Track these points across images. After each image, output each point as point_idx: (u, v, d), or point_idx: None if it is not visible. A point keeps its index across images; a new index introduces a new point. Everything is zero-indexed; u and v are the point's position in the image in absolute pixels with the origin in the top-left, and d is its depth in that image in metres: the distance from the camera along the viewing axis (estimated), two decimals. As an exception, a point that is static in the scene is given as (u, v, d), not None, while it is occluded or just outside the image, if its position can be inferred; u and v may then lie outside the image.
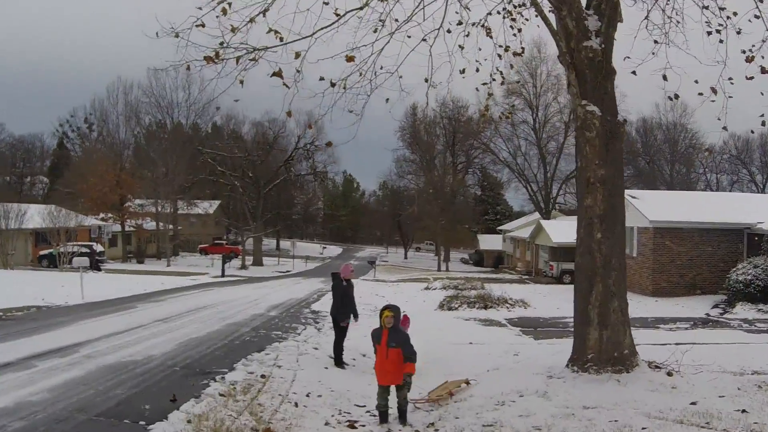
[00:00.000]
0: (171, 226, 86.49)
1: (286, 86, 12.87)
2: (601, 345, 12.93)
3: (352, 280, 17.86)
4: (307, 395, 12.64)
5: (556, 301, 34.35)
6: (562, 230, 61.81)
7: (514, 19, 15.83)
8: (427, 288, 42.57)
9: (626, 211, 38.28)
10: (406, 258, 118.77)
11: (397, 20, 14.38)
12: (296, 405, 11.83)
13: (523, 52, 16.81)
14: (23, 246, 60.34)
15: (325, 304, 31.12)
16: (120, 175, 78.87)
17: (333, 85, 13.48)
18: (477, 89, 17.32)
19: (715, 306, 32.32)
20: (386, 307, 11.86)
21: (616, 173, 13.50)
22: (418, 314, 25.34)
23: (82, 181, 75.69)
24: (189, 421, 9.85)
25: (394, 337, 11.43)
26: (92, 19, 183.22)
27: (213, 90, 11.21)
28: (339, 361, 16.43)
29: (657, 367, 13.48)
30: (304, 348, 18.05)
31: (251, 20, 12.53)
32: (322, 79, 13.26)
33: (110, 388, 12.48)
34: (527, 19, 15.87)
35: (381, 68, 14.25)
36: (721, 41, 14.05)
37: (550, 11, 14.20)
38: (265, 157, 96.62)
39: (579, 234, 13.71)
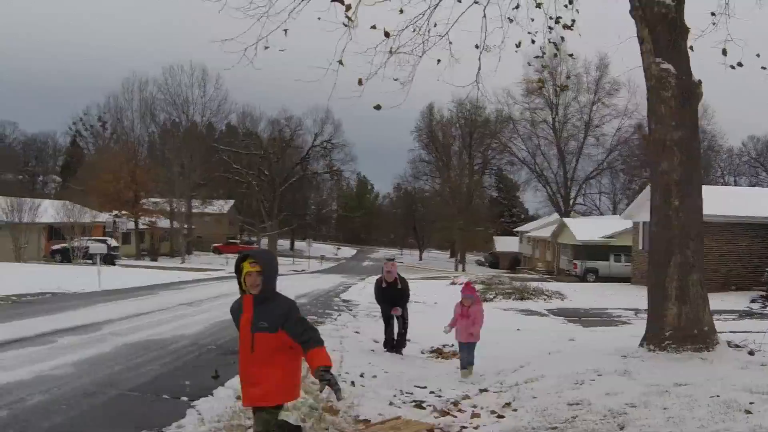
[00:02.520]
0: (186, 225, 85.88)
1: (349, 19, 11.90)
2: (680, 321, 11.90)
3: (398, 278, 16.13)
4: (361, 375, 11.74)
5: (590, 295, 33.73)
6: (586, 228, 61.42)
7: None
8: (452, 283, 41.73)
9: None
10: (421, 259, 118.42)
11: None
12: (353, 384, 10.94)
13: (573, 24, 15.80)
14: (35, 240, 60.27)
15: (353, 294, 30.57)
16: (135, 171, 78.52)
17: (387, 35, 12.57)
18: (529, 63, 16.43)
19: (753, 301, 31.32)
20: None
21: (692, 136, 12.48)
22: (451, 306, 24.55)
23: (95, 177, 75.97)
24: (239, 397, 8.86)
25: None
26: (107, 17, 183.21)
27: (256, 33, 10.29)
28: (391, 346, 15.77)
29: (737, 346, 12.46)
30: (344, 332, 17.45)
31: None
32: (374, 27, 12.37)
33: (141, 364, 11.76)
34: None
35: (435, 25, 13.39)
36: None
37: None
38: (281, 155, 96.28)
39: (654, 202, 12.66)
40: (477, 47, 14.66)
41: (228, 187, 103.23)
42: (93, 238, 61.32)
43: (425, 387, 11.39)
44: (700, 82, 12.68)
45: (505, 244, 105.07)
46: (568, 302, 29.14)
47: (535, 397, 10.03)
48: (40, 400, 8.88)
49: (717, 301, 30.41)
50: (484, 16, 14.28)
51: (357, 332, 17.67)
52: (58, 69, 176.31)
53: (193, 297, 25.61)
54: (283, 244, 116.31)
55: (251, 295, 6.57)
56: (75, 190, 77.24)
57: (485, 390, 11.10)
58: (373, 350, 14.85)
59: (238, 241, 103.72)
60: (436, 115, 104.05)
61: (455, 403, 10.21)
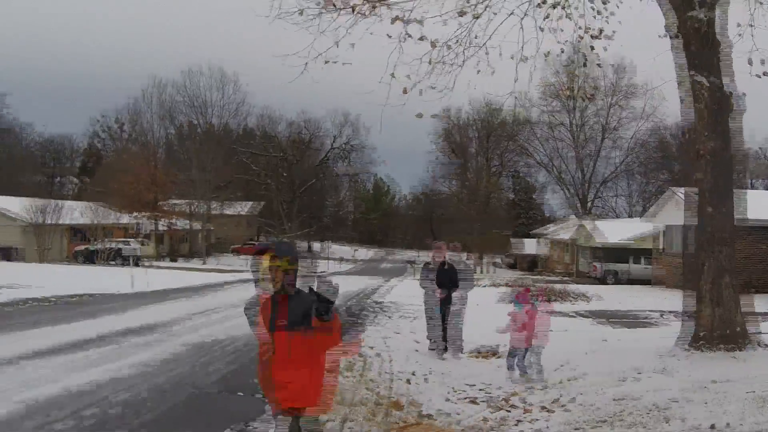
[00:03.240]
0: (209, 226, 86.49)
1: (408, 36, 12.62)
2: (714, 322, 12.52)
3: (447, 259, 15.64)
4: (413, 374, 12.35)
5: (614, 297, 34.03)
6: (606, 231, 61.70)
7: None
8: (475, 285, 42.20)
9: (678, 210, 37.78)
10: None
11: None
12: (408, 382, 11.56)
13: (601, 33, 16.40)
14: (58, 241, 61.10)
15: (383, 295, 31.15)
16: (154, 173, 79.16)
17: (433, 45, 13.26)
18: (558, 71, 16.99)
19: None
20: None
21: (725, 146, 13.07)
22: (481, 307, 25.18)
23: (114, 179, 76.18)
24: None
25: None
26: (125, 20, 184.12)
27: (317, 46, 11.10)
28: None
29: (767, 346, 13.04)
30: (385, 333, 17.99)
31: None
32: (421, 39, 13.07)
33: (207, 363, 12.44)
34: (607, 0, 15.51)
35: (476, 37, 14.06)
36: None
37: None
38: (300, 157, 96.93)
39: (687, 208, 13.31)
40: (512, 58, 15.29)
41: (247, 189, 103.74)
42: (116, 240, 62.10)
43: (474, 385, 12.01)
44: (731, 93, 13.27)
45: (523, 246, 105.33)
46: (593, 304, 29.58)
47: (581, 394, 10.63)
48: (125, 398, 9.47)
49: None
50: (522, 27, 14.92)
51: (397, 333, 18.20)
52: (74, 71, 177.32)
53: (232, 299, 26.24)
54: (301, 245, 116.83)
55: (272, 294, 6.02)
56: (94, 192, 78.39)
57: (531, 387, 11.72)
58: (417, 350, 15.26)
59: (257, 243, 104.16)
60: (453, 117, 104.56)
61: (506, 400, 10.82)
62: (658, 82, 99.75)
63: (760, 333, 13.18)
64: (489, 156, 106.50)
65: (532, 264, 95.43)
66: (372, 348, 14.69)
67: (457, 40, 13.88)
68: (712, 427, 8.25)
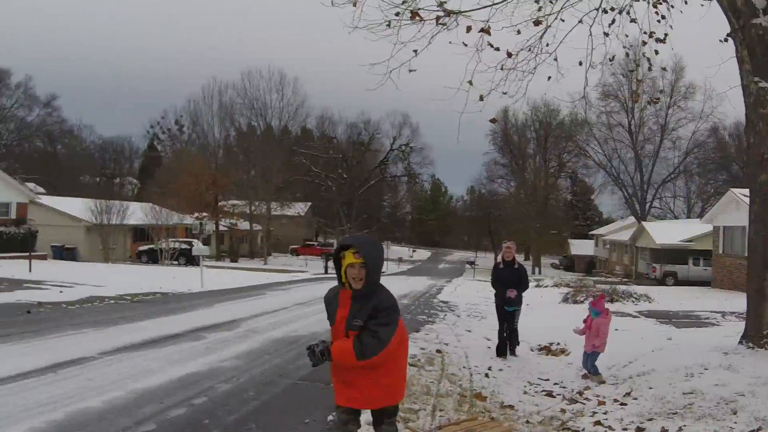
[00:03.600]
0: (269, 228, 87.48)
1: (493, 47, 13.22)
2: (778, 321, 12.90)
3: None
4: (489, 368, 12.93)
5: (675, 298, 34.28)
6: (666, 232, 61.63)
7: (656, 5, 15.94)
8: (537, 286, 42.58)
9: (738, 211, 37.81)
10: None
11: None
12: (486, 376, 12.16)
13: (665, 38, 16.85)
14: (122, 241, 62.44)
15: (448, 295, 31.78)
16: (215, 174, 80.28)
17: (509, 55, 13.83)
18: (623, 75, 17.39)
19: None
20: None
21: (788, 150, 13.47)
22: (545, 306, 25.70)
23: (175, 180, 77.71)
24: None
25: None
26: (183, 24, 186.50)
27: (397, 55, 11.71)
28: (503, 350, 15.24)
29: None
30: (457, 330, 18.48)
31: None
32: (497, 49, 13.62)
33: (295, 357, 12.99)
34: (672, 6, 15.96)
35: (547, 44, 14.60)
36: None
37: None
38: (360, 158, 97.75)
39: (752, 211, 13.68)
40: (580, 64, 15.84)
41: (305, 190, 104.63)
42: (180, 239, 63.24)
43: (548, 380, 12.63)
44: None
45: (580, 247, 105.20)
46: (655, 305, 29.82)
47: (651, 388, 11.18)
48: (228, 389, 10.18)
49: None
50: (591, 34, 15.45)
51: (468, 331, 18.72)
52: (133, 74, 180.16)
53: (303, 297, 26.90)
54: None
55: (349, 290, 5.90)
56: (153, 193, 79.45)
57: (603, 382, 12.28)
58: (489, 347, 15.66)
59: (315, 243, 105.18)
60: (510, 118, 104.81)
61: (580, 393, 11.44)
62: (717, 81, 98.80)
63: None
64: (547, 157, 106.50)
65: (589, 265, 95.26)
66: (447, 345, 15.29)
67: (530, 48, 14.44)
68: (780, 418, 8.77)
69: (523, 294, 15.33)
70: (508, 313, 15.10)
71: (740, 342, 13.45)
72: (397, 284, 38.89)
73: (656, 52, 17.20)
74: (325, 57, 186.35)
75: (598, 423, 9.30)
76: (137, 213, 63.95)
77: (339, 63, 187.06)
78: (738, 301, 29.63)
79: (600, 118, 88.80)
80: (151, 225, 64.50)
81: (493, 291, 15.52)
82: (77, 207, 60.37)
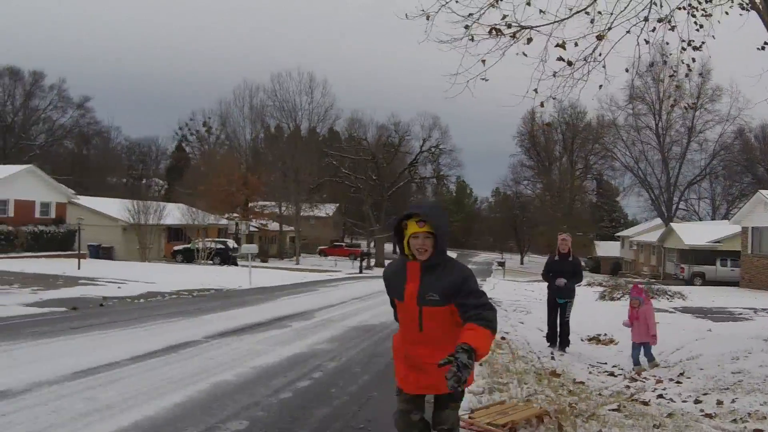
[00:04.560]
0: (299, 229, 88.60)
1: (565, 61, 14.52)
2: (814, 312, 14.19)
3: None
4: (552, 353, 14.25)
5: (706, 296, 35.43)
6: (693, 233, 62.40)
7: (694, 14, 17.18)
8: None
9: (766, 212, 38.84)
10: (522, 263, 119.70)
11: (597, 13, 15.98)
12: (552, 358, 13.47)
13: (702, 45, 18.09)
14: (156, 241, 63.12)
15: (489, 293, 32.92)
16: (246, 175, 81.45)
17: (570, 63, 15.09)
18: (661, 80, 18.48)
19: None
20: None
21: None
22: (584, 303, 26.91)
23: (205, 181, 78.90)
24: (480, 364, 11.45)
25: None
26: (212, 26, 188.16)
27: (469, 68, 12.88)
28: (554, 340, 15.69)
29: None
30: (511, 322, 19.68)
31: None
32: (560, 59, 14.89)
33: (378, 342, 14.41)
34: (710, 14, 17.21)
35: (600, 54, 15.87)
36: None
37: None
38: (390, 160, 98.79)
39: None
40: (627, 71, 17.18)
41: (334, 191, 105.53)
42: (216, 239, 64.35)
43: (605, 363, 13.96)
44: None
45: (606, 248, 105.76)
46: (689, 302, 30.93)
47: (701, 369, 12.50)
48: (336, 366, 11.57)
49: None
50: (638, 44, 16.74)
51: (521, 323, 19.95)
52: (164, 75, 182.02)
53: (355, 293, 28.36)
54: (386, 246, 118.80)
55: (418, 262, 5.37)
56: (182, 193, 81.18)
57: (655, 366, 13.58)
58: (544, 337, 16.65)
59: (344, 244, 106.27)
60: (537, 119, 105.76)
61: (638, 373, 12.76)
62: (744, 84, 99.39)
63: None
64: (574, 159, 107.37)
65: (615, 267, 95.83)
66: (507, 333, 16.56)
67: (585, 59, 15.71)
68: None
69: (576, 287, 15.81)
70: (559, 305, 15.52)
71: (779, 331, 14.74)
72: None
73: (693, 60, 18.53)
74: (356, 58, 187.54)
75: (660, 396, 10.57)
76: (173, 213, 65.07)
77: (370, 65, 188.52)
78: (767, 300, 30.88)
79: (627, 120, 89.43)
80: (186, 225, 65.81)
81: (545, 283, 16.14)
82: (113, 207, 61.72)
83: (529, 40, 14.72)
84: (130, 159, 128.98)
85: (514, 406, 8.28)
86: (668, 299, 31.41)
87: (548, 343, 15.63)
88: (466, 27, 14.22)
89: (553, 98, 16.15)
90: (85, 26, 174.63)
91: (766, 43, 15.49)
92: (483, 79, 14.59)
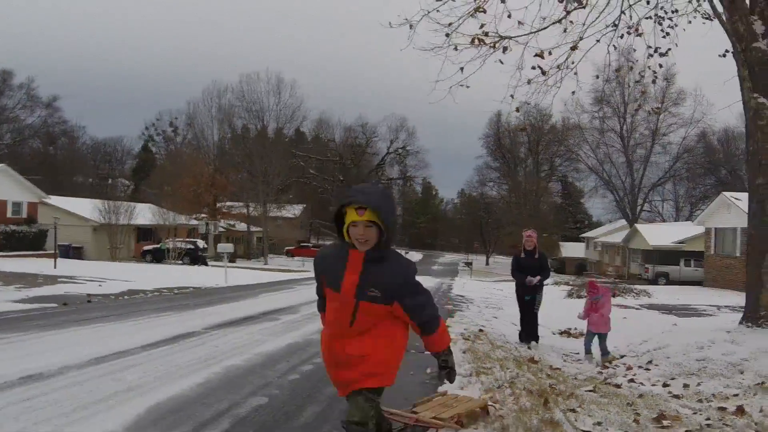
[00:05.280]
0: (267, 229, 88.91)
1: (540, 69, 15.29)
2: (773, 305, 14.98)
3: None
4: (528, 344, 15.00)
5: (670, 294, 36.42)
6: (658, 234, 63.62)
7: (661, 22, 18.03)
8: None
9: (729, 213, 39.74)
10: (487, 264, 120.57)
11: (569, 23, 16.77)
12: (529, 348, 14.25)
13: (668, 51, 18.96)
14: (126, 241, 63.55)
15: (459, 290, 33.80)
16: (214, 176, 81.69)
17: (544, 73, 15.86)
18: (629, 85, 19.28)
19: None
20: None
21: (783, 156, 15.58)
22: (553, 301, 27.74)
23: (172, 181, 79.16)
24: (464, 352, 12.19)
25: None
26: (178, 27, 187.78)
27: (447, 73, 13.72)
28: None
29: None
30: (485, 316, 20.48)
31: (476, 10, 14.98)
32: (535, 68, 15.67)
33: None
34: (676, 25, 18.09)
35: (572, 62, 16.67)
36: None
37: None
38: (357, 161, 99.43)
39: (750, 210, 15.72)
40: (597, 77, 18.04)
41: (301, 192, 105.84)
42: (185, 239, 64.53)
43: (578, 353, 14.71)
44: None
45: (571, 249, 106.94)
46: (654, 299, 31.88)
47: (668, 357, 13.27)
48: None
49: None
50: (608, 53, 17.60)
51: (495, 317, 20.77)
52: (128, 75, 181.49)
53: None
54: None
55: (361, 252, 4.99)
56: (149, 194, 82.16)
57: (624, 356, 14.35)
58: (518, 330, 17.36)
59: (310, 245, 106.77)
60: (503, 122, 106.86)
61: (609, 362, 13.52)
62: (708, 89, 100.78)
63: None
64: (539, 161, 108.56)
65: (580, 267, 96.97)
66: (483, 326, 17.32)
67: (558, 66, 16.51)
68: (780, 375, 10.87)
69: (544, 283, 16.14)
70: (527, 301, 15.73)
71: (740, 322, 15.51)
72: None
73: (660, 66, 19.38)
74: (324, 62, 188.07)
75: (631, 381, 11.34)
76: (143, 214, 65.48)
77: (338, 68, 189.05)
78: (730, 298, 31.88)
79: (592, 123, 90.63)
80: (156, 225, 66.39)
81: (514, 280, 16.16)
82: (83, 207, 62.06)
83: (505, 48, 15.48)
84: (95, 159, 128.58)
85: (456, 398, 8.14)
86: (634, 297, 32.35)
87: (519, 339, 15.83)
88: (447, 35, 14.96)
89: (527, 104, 17.01)
90: (56, 24, 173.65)
91: (727, 51, 16.30)
92: (464, 85, 15.35)
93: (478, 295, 31.04)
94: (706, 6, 16.77)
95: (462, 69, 15.22)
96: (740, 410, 8.82)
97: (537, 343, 15.53)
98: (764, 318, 14.91)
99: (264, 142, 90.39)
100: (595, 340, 14.46)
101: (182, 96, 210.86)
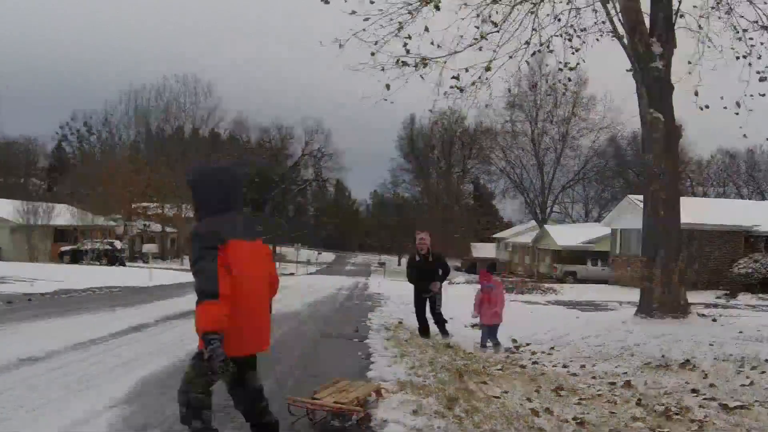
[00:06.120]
0: (183, 228, 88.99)
1: (458, 88, 16.78)
2: (664, 297, 16.69)
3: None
4: (446, 332, 16.49)
5: (576, 292, 38.31)
6: (566, 234, 65.54)
7: (571, 39, 19.71)
8: (450, 283, 45.95)
9: (633, 215, 41.83)
10: (399, 264, 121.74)
11: (484, 41, 18.34)
12: (444, 337, 15.70)
13: (577, 66, 20.67)
14: (44, 242, 62.93)
15: (376, 288, 35.23)
16: (130, 176, 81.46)
17: (461, 90, 17.38)
18: (548, 94, 20.87)
19: (719, 297, 35.73)
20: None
21: (674, 165, 17.39)
22: (466, 298, 29.21)
23: (88, 182, 78.93)
24: (387, 339, 13.63)
25: None
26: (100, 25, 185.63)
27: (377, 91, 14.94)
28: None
29: (703, 315, 17.42)
30: (404, 311, 21.63)
31: (397, 33, 16.44)
32: (452, 87, 17.17)
33: (305, 321, 17.22)
34: (584, 42, 19.80)
35: (487, 78, 18.23)
36: (750, 64, 18.18)
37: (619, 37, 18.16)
38: (272, 162, 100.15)
39: (646, 212, 17.45)
40: (510, 91, 19.65)
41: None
42: (104, 240, 64.22)
43: (489, 343, 16.19)
44: (680, 125, 17.62)
45: (482, 250, 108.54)
46: (561, 296, 33.75)
47: (569, 344, 14.89)
48: (279, 336, 13.51)
49: (688, 297, 34.82)
50: (519, 69, 19.23)
51: (413, 312, 21.99)
52: (44, 72, 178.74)
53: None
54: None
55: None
56: (63, 194, 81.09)
57: (530, 344, 15.87)
58: (430, 318, 18.73)
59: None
60: (417, 125, 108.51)
61: (517, 348, 15.04)
62: (616, 95, 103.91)
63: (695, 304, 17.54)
64: (452, 163, 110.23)
65: (491, 267, 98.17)
66: (403, 319, 18.80)
67: (473, 83, 18.04)
68: (663, 356, 12.47)
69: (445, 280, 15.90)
70: (427, 300, 15.38)
71: (635, 314, 17.25)
72: (326, 281, 42.03)
73: (569, 79, 21.10)
74: (241, 65, 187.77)
75: (535, 363, 12.86)
76: (62, 214, 65.14)
77: (255, 70, 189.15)
78: (633, 295, 33.63)
79: (504, 126, 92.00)
80: (74, 226, 65.97)
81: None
82: (0, 208, 61.55)
83: (426, 64, 16.95)
84: (6, 157, 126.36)
85: (350, 383, 8.42)
86: (542, 294, 34.11)
87: (420, 335, 15.33)
88: (372, 54, 16.37)
89: (447, 114, 18.58)
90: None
91: (628, 69, 17.96)
92: (388, 100, 16.79)
93: (394, 293, 32.12)
94: (610, 26, 18.38)
95: (388, 86, 16.67)
96: (628, 384, 10.37)
97: (447, 335, 15.46)
98: (656, 309, 16.63)
99: (180, 142, 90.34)
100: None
101: (98, 96, 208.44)
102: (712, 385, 10.14)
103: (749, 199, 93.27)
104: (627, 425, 7.79)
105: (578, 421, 7.72)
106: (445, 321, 15.80)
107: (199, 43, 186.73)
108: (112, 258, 59.75)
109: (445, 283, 16.14)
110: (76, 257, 59.92)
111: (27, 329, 13.18)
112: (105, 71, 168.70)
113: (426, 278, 15.14)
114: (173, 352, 10.76)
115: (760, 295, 34.25)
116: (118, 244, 64.98)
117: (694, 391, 9.84)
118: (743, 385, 10.11)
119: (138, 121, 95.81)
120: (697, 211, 43.39)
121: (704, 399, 9.34)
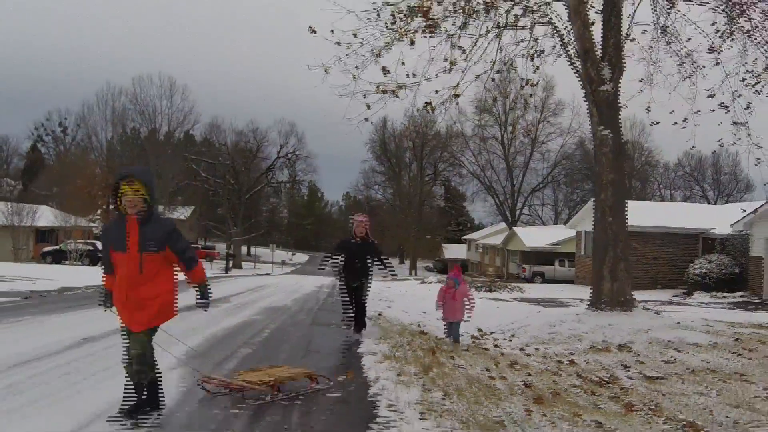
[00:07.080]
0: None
1: (430, 108, 18.98)
2: (612, 293, 18.77)
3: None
4: (419, 323, 18.60)
5: (542, 290, 40.43)
6: (534, 236, 67.44)
7: (533, 58, 21.80)
8: (423, 282, 48.05)
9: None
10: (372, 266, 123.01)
11: (452, 64, 20.46)
12: (419, 326, 17.82)
13: (538, 83, 22.83)
14: (26, 243, 64.02)
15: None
16: (107, 177, 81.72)
17: (432, 109, 19.55)
18: (499, 94, 22.98)
19: (676, 296, 37.95)
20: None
21: (621, 177, 19.48)
22: (434, 296, 31.22)
23: (63, 182, 79.37)
24: (372, 325, 15.77)
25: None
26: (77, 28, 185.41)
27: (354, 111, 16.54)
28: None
29: (648, 308, 19.66)
30: (382, 306, 23.64)
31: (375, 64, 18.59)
32: (424, 106, 19.31)
33: (294, 314, 19.13)
34: (544, 61, 21.90)
35: (457, 96, 20.32)
36: (694, 84, 20.36)
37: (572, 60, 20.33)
38: (248, 165, 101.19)
39: (595, 218, 19.57)
40: (476, 107, 21.82)
41: (191, 194, 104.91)
42: (86, 241, 64.85)
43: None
44: (627, 141, 19.79)
45: (453, 251, 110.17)
46: (526, 294, 35.81)
47: (527, 332, 17.07)
48: (276, 327, 15.74)
49: (647, 294, 36.79)
50: (485, 88, 21.41)
51: (389, 306, 23.80)
52: (19, 73, 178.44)
53: (247, 286, 32.32)
54: (243, 249, 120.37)
55: (134, 216, 6.61)
56: (38, 195, 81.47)
57: (494, 332, 18.00)
58: (408, 315, 21.04)
59: (200, 246, 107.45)
60: (389, 128, 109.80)
61: (481, 336, 17.17)
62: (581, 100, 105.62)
63: (641, 301, 19.73)
64: (423, 165, 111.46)
65: (462, 268, 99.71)
66: (382, 312, 20.93)
67: (443, 102, 20.14)
68: (605, 341, 14.67)
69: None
70: (355, 288, 14.54)
71: (587, 308, 19.41)
72: (305, 280, 43.89)
73: (530, 95, 23.30)
74: (216, 67, 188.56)
75: (497, 346, 14.96)
76: (44, 215, 65.91)
77: (228, 72, 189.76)
78: (593, 294, 35.89)
79: (475, 130, 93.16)
80: (57, 227, 66.77)
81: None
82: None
83: (402, 86, 19.06)
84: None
85: (283, 368, 8.89)
86: (508, 292, 36.30)
87: (350, 328, 14.63)
88: (354, 77, 18.46)
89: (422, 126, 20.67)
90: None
91: (584, 96, 20.05)
92: (368, 120, 18.94)
93: (370, 291, 33.98)
94: (564, 52, 20.48)
95: (368, 106, 18.79)
96: (572, 362, 12.54)
97: (363, 331, 14.49)
98: (605, 303, 18.78)
99: (155, 144, 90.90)
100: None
101: (74, 97, 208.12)
102: (641, 362, 12.31)
103: (715, 201, 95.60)
104: (566, 389, 9.94)
105: (526, 384, 9.92)
106: (365, 314, 15.03)
107: (176, 45, 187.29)
108: (95, 258, 60.62)
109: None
110: (58, 258, 60.84)
111: (71, 317, 15.20)
112: (79, 70, 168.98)
113: (355, 267, 14.34)
114: (191, 337, 12.38)
115: (714, 293, 36.27)
116: (99, 244, 65.54)
117: (625, 366, 12.03)
118: (666, 362, 12.27)
119: (115, 122, 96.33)
120: (659, 215, 45.81)
121: (633, 372, 11.49)
